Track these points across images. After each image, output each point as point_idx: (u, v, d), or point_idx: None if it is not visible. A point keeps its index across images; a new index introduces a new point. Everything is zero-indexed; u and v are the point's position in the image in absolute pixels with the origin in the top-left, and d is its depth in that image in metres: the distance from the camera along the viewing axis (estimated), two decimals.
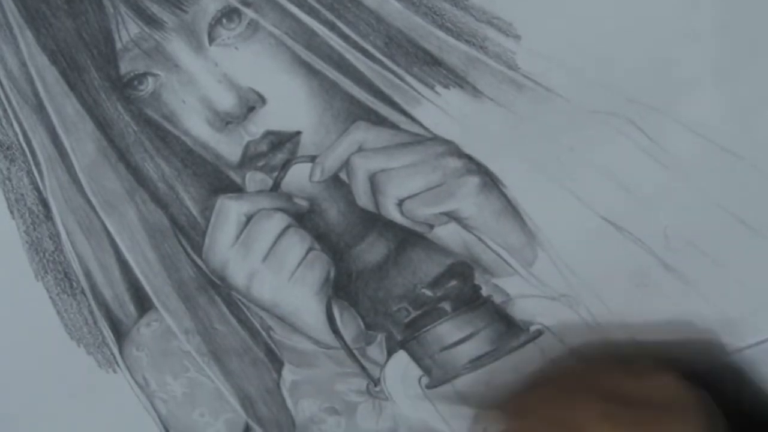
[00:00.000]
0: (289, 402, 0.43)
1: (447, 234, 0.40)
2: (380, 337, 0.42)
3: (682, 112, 0.39)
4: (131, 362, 0.42)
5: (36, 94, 0.40)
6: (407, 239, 0.41)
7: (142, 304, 0.42)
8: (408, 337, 0.42)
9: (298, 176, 0.40)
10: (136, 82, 0.39)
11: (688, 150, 0.39)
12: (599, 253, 0.40)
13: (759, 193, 0.39)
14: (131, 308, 0.42)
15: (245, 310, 0.42)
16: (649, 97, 0.39)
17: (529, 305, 0.41)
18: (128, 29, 0.39)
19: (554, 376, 0.40)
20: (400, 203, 0.40)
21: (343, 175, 0.40)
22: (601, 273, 0.40)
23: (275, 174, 0.40)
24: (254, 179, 0.40)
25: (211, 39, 0.40)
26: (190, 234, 0.41)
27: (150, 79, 0.39)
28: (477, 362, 0.41)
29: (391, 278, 0.41)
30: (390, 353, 0.42)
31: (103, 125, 0.41)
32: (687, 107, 0.39)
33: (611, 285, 0.41)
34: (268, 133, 0.39)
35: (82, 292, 0.43)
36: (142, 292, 0.42)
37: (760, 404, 0.41)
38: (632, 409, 0.36)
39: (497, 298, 0.41)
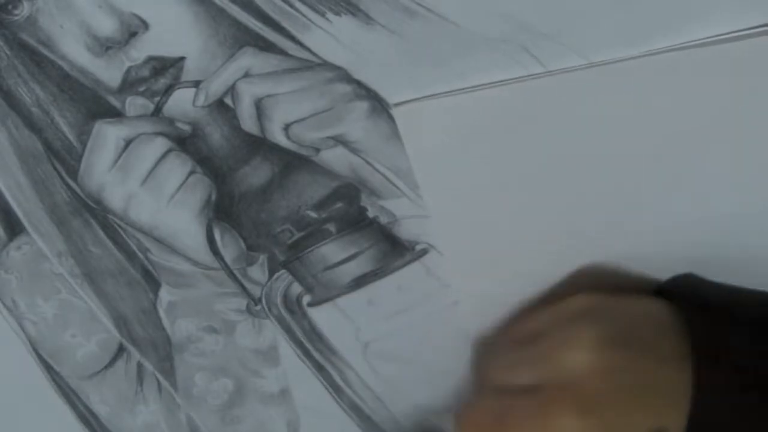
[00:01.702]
0: (165, 322, 0.67)
1: (333, 157, 0.64)
2: (262, 258, 0.66)
3: (575, 40, 0.63)
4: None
5: None
6: (292, 162, 0.64)
7: (13, 228, 0.65)
8: (291, 258, 0.67)
9: (181, 101, 0.62)
10: (10, 6, 0.59)
11: (580, 75, 0.64)
12: None
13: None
14: (0, 232, 0.65)
15: (122, 232, 0.65)
16: (542, 24, 0.63)
17: (415, 225, 0.66)
18: None
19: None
20: (287, 128, 0.63)
21: (228, 100, 0.63)
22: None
23: (157, 99, 0.62)
24: (135, 104, 0.62)
25: None
26: (66, 158, 0.63)
27: (26, 4, 0.59)
28: (360, 280, 0.67)
29: (275, 201, 0.65)
30: (272, 273, 0.67)
31: None
32: (580, 34, 0.63)
33: None
34: (151, 59, 0.61)
35: None
36: (12, 216, 0.64)
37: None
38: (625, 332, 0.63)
39: (383, 219, 0.66)
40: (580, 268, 0.68)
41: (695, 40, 0.61)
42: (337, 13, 0.61)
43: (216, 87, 0.63)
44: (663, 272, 0.68)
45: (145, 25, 0.61)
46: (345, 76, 0.63)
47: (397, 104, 0.63)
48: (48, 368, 0.68)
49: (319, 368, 0.69)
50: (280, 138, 0.64)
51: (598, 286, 0.67)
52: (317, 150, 0.64)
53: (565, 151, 0.64)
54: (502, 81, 0.63)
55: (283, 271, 0.67)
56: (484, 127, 0.64)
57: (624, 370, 0.60)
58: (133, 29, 0.61)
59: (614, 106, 0.63)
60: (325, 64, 0.62)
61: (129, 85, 0.62)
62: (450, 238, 0.67)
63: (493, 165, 0.65)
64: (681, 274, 0.67)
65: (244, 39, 0.62)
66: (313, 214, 0.66)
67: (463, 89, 0.63)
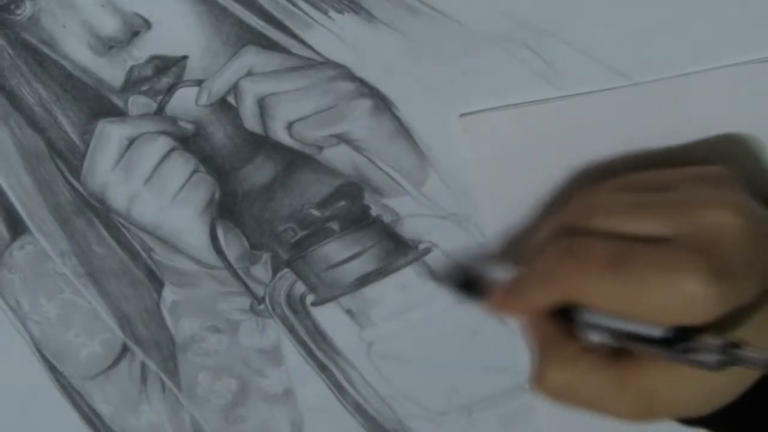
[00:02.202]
0: (169, 321, 0.68)
1: (336, 155, 0.65)
2: (265, 256, 0.67)
3: (576, 36, 0.63)
4: (3, 285, 0.66)
5: None
6: (295, 161, 0.65)
7: (16, 227, 0.65)
8: (294, 257, 0.67)
9: (184, 100, 0.63)
10: (12, 6, 0.60)
11: (582, 73, 0.64)
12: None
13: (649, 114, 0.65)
14: (4, 232, 0.65)
15: (125, 232, 0.66)
16: (544, 21, 0.63)
17: (419, 224, 0.66)
18: None
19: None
20: (290, 126, 0.64)
21: (230, 99, 0.63)
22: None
23: (160, 98, 0.62)
24: (137, 103, 0.62)
25: None
26: (69, 158, 0.63)
27: (28, 3, 0.60)
28: (363, 280, 0.67)
29: (277, 199, 0.65)
30: (275, 272, 0.67)
31: None
32: (582, 31, 0.63)
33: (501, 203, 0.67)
34: (153, 58, 0.61)
35: None
36: (15, 215, 0.65)
37: None
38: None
39: (386, 218, 0.66)
40: None
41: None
42: (340, 11, 0.62)
43: (219, 86, 0.63)
44: None
45: (148, 24, 0.61)
46: (348, 74, 0.63)
47: (463, 114, 0.64)
48: (51, 368, 0.69)
49: (323, 368, 0.69)
50: (283, 136, 0.64)
51: None
52: (320, 148, 0.65)
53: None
54: (565, 95, 0.64)
55: (286, 270, 0.67)
56: (546, 139, 0.64)
57: (764, 245, 0.55)
58: (136, 28, 0.61)
59: (673, 120, 0.64)
60: (328, 63, 0.63)
61: (132, 84, 0.63)
62: (504, 254, 0.67)
63: (552, 177, 0.65)
64: None
65: (246, 37, 0.62)
66: (317, 213, 0.66)
67: (528, 102, 0.64)
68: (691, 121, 0.64)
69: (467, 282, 0.66)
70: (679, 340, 0.54)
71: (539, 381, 0.58)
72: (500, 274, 0.62)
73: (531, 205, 0.66)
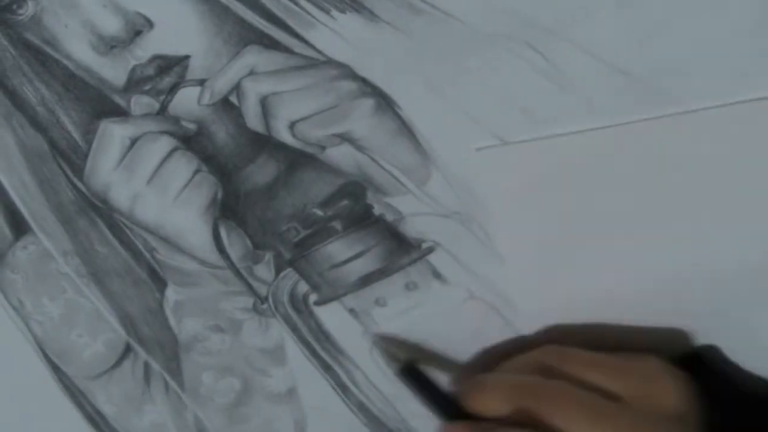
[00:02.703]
0: (172, 321, 0.68)
1: (339, 154, 0.65)
2: (268, 256, 0.67)
3: (579, 35, 0.63)
4: (6, 285, 0.66)
5: None
6: (298, 160, 0.65)
7: (19, 227, 0.65)
8: (297, 256, 0.67)
9: (186, 100, 0.63)
10: (14, 6, 0.60)
11: (585, 72, 0.64)
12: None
13: (652, 113, 0.65)
14: (6, 231, 0.65)
15: (128, 231, 0.66)
16: (546, 20, 0.63)
17: (422, 223, 0.66)
18: None
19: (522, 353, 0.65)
20: (292, 125, 0.64)
21: (233, 98, 0.63)
22: (496, 190, 0.66)
23: (162, 98, 0.62)
24: (140, 103, 0.62)
25: None
26: (71, 158, 0.63)
27: (30, 3, 0.60)
28: (367, 279, 0.67)
29: (280, 199, 0.65)
30: (278, 272, 0.67)
31: None
32: (585, 30, 0.63)
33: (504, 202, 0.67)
34: (156, 57, 0.61)
35: None
36: (18, 215, 0.65)
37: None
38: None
39: (389, 217, 0.66)
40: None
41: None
42: (342, 11, 0.62)
43: (221, 85, 0.63)
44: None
45: (150, 24, 0.61)
46: (350, 74, 0.63)
47: (480, 148, 0.64)
48: (55, 368, 0.69)
49: (326, 367, 0.69)
50: (285, 136, 0.64)
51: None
52: (323, 147, 0.65)
53: (641, 197, 0.65)
54: (579, 131, 0.64)
55: (289, 269, 0.67)
56: (561, 173, 0.64)
57: None
58: (138, 28, 0.61)
59: (696, 154, 0.64)
60: (330, 62, 0.63)
61: (134, 83, 0.63)
62: (523, 285, 0.67)
63: (569, 210, 0.65)
64: (703, 345, 0.67)
65: (248, 37, 0.62)
66: (319, 212, 0.66)
67: (543, 137, 0.64)
68: (705, 157, 0.65)
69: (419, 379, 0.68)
70: None
71: None
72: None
73: (546, 236, 0.66)
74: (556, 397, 0.60)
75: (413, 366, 0.67)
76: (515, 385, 0.61)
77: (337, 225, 0.67)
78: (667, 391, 0.61)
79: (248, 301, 0.68)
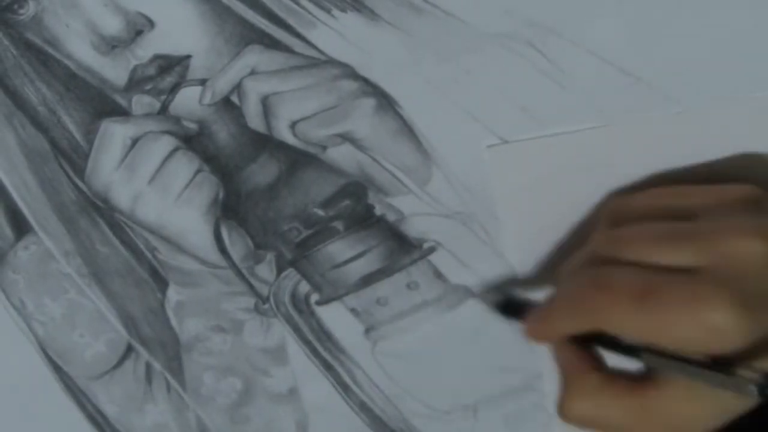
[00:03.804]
0: (173, 321, 0.68)
1: (340, 155, 0.65)
2: (270, 256, 0.67)
3: (581, 35, 0.63)
4: (7, 285, 0.66)
5: None
6: (299, 160, 0.65)
7: (20, 227, 0.65)
8: (298, 256, 0.67)
9: (188, 99, 0.63)
10: (15, 6, 0.60)
11: (587, 71, 0.64)
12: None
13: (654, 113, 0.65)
14: (8, 232, 0.65)
15: (129, 231, 0.66)
16: (548, 19, 0.63)
17: (423, 223, 0.66)
18: None
19: None
20: (293, 125, 0.64)
21: (234, 98, 0.63)
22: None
23: (163, 97, 0.62)
24: (141, 103, 0.62)
25: None
26: (72, 157, 0.63)
27: (31, 3, 0.60)
28: (368, 279, 0.67)
29: (282, 199, 0.65)
30: (280, 272, 0.67)
31: None
32: (586, 29, 0.63)
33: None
34: (157, 57, 0.61)
35: None
36: (19, 215, 0.65)
37: None
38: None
39: (390, 217, 0.66)
40: None
41: None
42: (343, 10, 0.62)
43: (222, 85, 0.63)
44: None
45: (151, 24, 0.61)
46: (351, 73, 0.63)
47: (490, 145, 0.64)
48: (56, 368, 0.69)
49: (328, 367, 0.69)
50: (286, 135, 0.64)
51: None
52: (324, 147, 0.65)
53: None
54: (591, 127, 0.64)
55: (290, 269, 0.67)
56: (572, 169, 0.64)
57: None
58: (139, 28, 0.61)
59: (705, 151, 0.64)
60: (331, 61, 0.63)
61: (135, 83, 0.63)
62: (531, 285, 0.67)
63: (578, 207, 0.65)
64: None
65: (250, 37, 0.62)
66: (321, 212, 0.66)
67: (553, 134, 0.64)
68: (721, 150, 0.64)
69: (507, 304, 0.66)
70: (717, 367, 0.55)
71: (564, 411, 0.59)
72: (539, 298, 0.63)
73: (558, 233, 0.66)
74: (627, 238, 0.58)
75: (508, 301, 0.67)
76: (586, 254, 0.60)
77: (339, 225, 0.67)
78: (741, 189, 0.59)
79: (250, 301, 0.68)
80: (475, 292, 0.68)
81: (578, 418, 0.59)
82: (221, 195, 0.65)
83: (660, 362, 0.57)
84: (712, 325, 0.53)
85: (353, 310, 0.68)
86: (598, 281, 0.57)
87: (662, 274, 0.55)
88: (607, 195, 0.65)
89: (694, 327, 0.54)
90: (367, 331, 0.68)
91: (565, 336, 0.60)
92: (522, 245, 0.66)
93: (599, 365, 0.59)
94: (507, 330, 0.68)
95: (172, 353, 0.69)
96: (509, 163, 0.65)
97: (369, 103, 0.64)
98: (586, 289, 0.58)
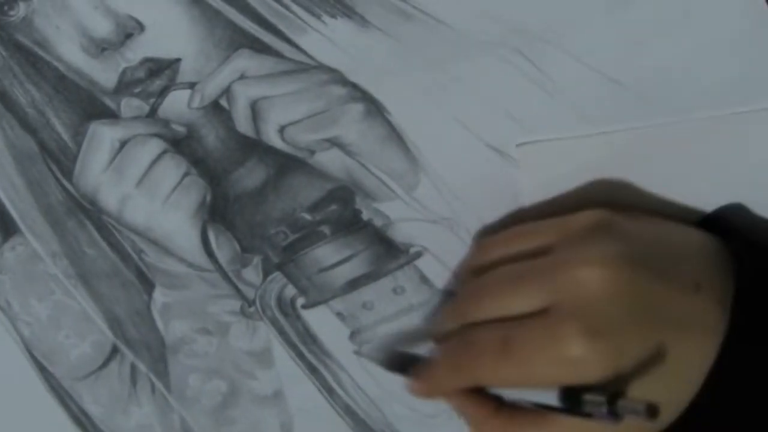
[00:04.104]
0: (159, 323, 0.68)
1: (328, 159, 0.65)
2: (256, 259, 0.67)
3: (569, 43, 0.64)
4: None
5: None
6: (287, 164, 0.65)
7: (7, 228, 0.65)
8: (285, 260, 0.67)
9: (177, 103, 0.63)
10: (5, 7, 0.60)
11: (574, 79, 0.64)
12: (482, 178, 0.66)
13: (642, 121, 0.65)
14: None
15: (116, 233, 0.66)
16: (536, 27, 0.63)
17: (410, 228, 0.67)
18: None
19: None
20: (282, 130, 0.64)
21: (223, 102, 0.63)
22: (484, 197, 0.66)
23: (152, 100, 0.62)
24: (130, 105, 0.62)
25: None
26: (61, 159, 0.63)
27: (21, 5, 0.60)
28: (354, 283, 0.67)
29: (269, 203, 0.65)
30: (266, 275, 0.67)
31: None
32: (574, 38, 0.64)
33: (493, 209, 0.67)
34: (146, 60, 0.61)
35: None
36: (6, 216, 0.65)
37: None
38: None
39: (377, 222, 0.66)
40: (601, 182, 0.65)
41: None
42: (333, 16, 0.62)
43: (211, 89, 0.63)
44: None
45: (141, 27, 0.61)
46: (340, 79, 0.63)
47: (520, 144, 0.64)
48: (41, 369, 0.69)
49: (313, 370, 0.69)
50: (275, 140, 0.64)
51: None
52: (312, 152, 0.65)
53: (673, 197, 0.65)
54: (623, 129, 0.64)
55: (277, 273, 0.67)
56: (601, 171, 0.64)
57: (641, 294, 0.55)
58: (129, 30, 0.61)
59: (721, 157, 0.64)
60: (321, 67, 0.63)
61: (124, 86, 0.63)
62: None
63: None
64: (729, 204, 0.63)
65: (239, 41, 0.62)
66: (308, 217, 0.66)
67: (584, 134, 0.64)
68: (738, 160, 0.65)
69: (393, 359, 0.67)
70: (571, 398, 0.55)
71: None
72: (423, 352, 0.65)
73: None
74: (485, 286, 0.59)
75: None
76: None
77: (326, 229, 0.67)
78: (586, 215, 0.59)
79: (236, 304, 0.68)
80: (362, 352, 0.69)
81: None
82: (209, 198, 0.65)
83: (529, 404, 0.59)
84: (568, 358, 0.54)
85: (339, 314, 0.68)
86: (464, 342, 0.59)
87: (519, 322, 0.57)
88: (472, 243, 0.66)
89: (553, 364, 0.55)
90: (353, 334, 0.68)
91: (449, 392, 0.61)
92: None
93: (498, 404, 0.60)
94: None
95: (157, 355, 0.69)
96: (539, 162, 0.65)
97: (358, 108, 0.64)
98: (455, 352, 0.60)
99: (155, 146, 0.64)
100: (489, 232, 0.65)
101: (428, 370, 0.61)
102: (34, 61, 0.62)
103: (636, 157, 0.64)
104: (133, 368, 0.69)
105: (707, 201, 0.63)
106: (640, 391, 0.54)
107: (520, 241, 0.61)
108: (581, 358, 0.54)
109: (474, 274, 0.62)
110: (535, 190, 0.65)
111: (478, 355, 0.58)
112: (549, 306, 0.56)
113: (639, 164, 0.64)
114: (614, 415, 0.53)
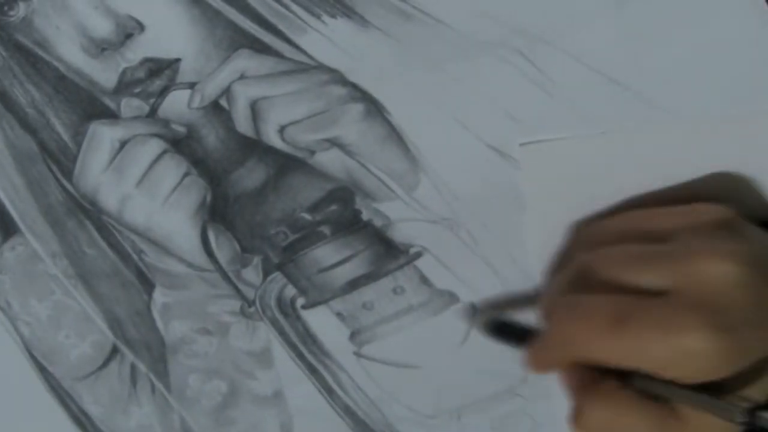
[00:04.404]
0: (159, 323, 0.68)
1: (328, 160, 0.65)
2: (256, 259, 0.67)
3: (569, 43, 0.64)
4: None
5: None
6: (287, 165, 0.65)
7: (7, 228, 0.65)
8: (285, 260, 0.67)
9: (177, 103, 0.63)
10: (5, 7, 0.60)
11: (575, 80, 0.64)
12: (483, 179, 0.66)
13: (643, 122, 0.65)
14: None
15: (116, 233, 0.66)
16: (537, 28, 0.63)
17: (410, 228, 0.67)
18: None
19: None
20: (282, 130, 0.64)
21: (223, 102, 0.63)
22: (485, 198, 0.66)
23: (152, 100, 0.62)
24: (130, 105, 0.62)
25: None
26: (60, 159, 0.63)
27: (21, 5, 0.60)
28: (354, 283, 0.67)
29: (269, 203, 0.65)
30: (266, 275, 0.67)
31: None
32: (574, 38, 0.63)
33: (493, 209, 0.67)
34: (146, 60, 0.61)
35: None
36: (6, 216, 0.65)
37: None
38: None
39: (377, 222, 0.66)
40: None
41: None
42: (333, 16, 0.62)
43: (211, 89, 0.63)
44: None
45: (141, 27, 0.62)
46: (340, 79, 0.63)
47: (523, 143, 0.64)
48: (41, 369, 0.69)
49: (313, 370, 0.69)
50: (275, 140, 0.64)
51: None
52: (312, 152, 0.65)
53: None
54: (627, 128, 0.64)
55: (277, 273, 0.68)
56: (605, 172, 0.64)
57: (766, 296, 0.55)
58: (129, 31, 0.62)
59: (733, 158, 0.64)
60: (321, 67, 0.63)
61: (124, 86, 0.63)
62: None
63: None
64: None
65: (239, 41, 0.62)
66: (308, 217, 0.66)
67: (587, 135, 0.64)
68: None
69: (499, 326, 0.66)
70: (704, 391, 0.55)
71: (578, 420, 0.59)
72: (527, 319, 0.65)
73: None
74: (605, 259, 0.59)
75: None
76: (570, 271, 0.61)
77: (326, 229, 0.67)
78: (715, 211, 0.59)
79: (236, 304, 0.68)
80: (466, 314, 0.68)
81: (594, 427, 0.58)
82: (209, 198, 0.65)
83: (652, 386, 0.57)
84: (686, 348, 0.53)
85: (339, 315, 0.68)
86: (574, 311, 0.58)
87: (636, 299, 0.56)
88: (582, 219, 0.65)
89: (669, 351, 0.54)
90: (353, 335, 0.68)
91: (561, 365, 0.60)
92: (546, 245, 0.67)
93: (612, 374, 0.58)
94: None
95: (157, 355, 0.69)
96: (541, 162, 0.65)
97: (357, 108, 0.64)
98: (563, 321, 0.59)
99: (155, 146, 0.64)
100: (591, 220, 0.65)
101: (539, 343, 0.60)
102: (34, 61, 0.62)
103: (641, 157, 0.64)
104: (133, 368, 0.69)
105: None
106: (750, 393, 0.55)
107: (640, 221, 0.61)
108: (702, 353, 0.53)
109: (586, 248, 0.62)
110: (537, 189, 0.65)
111: (589, 326, 0.57)
112: (672, 290, 0.56)
113: (644, 165, 0.64)
114: (749, 424, 0.54)
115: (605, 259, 0.59)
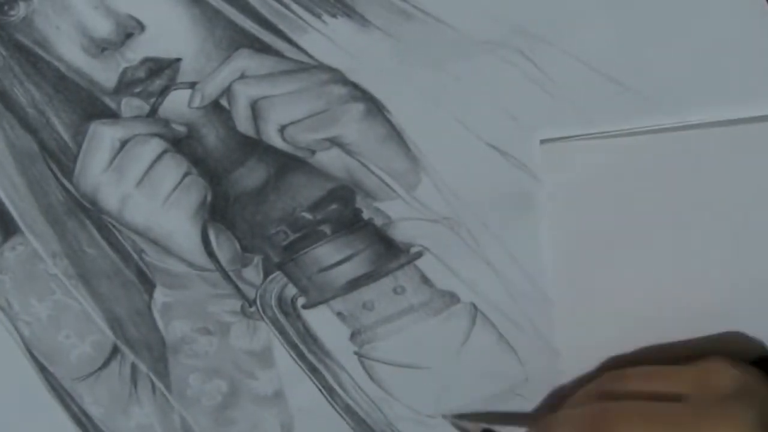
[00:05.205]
0: (159, 323, 0.68)
1: (329, 159, 0.65)
2: (257, 259, 0.67)
3: (569, 43, 0.63)
4: None
5: None
6: (288, 164, 0.65)
7: (7, 227, 0.65)
8: (285, 259, 0.67)
9: (177, 102, 0.63)
10: (6, 7, 0.59)
11: (576, 79, 0.64)
12: (484, 178, 0.66)
13: (643, 122, 0.65)
14: None
15: (117, 233, 0.66)
16: (538, 27, 0.63)
17: (411, 228, 0.67)
18: None
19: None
20: (282, 129, 0.64)
21: (223, 101, 0.63)
22: (485, 197, 0.66)
23: (152, 100, 0.62)
24: (130, 105, 0.62)
25: None
26: (61, 159, 0.63)
27: (21, 4, 0.59)
28: (355, 283, 0.67)
29: (270, 202, 0.65)
30: (266, 275, 0.67)
31: None
32: (575, 38, 0.63)
33: (494, 208, 0.67)
34: (147, 60, 0.61)
35: None
36: (7, 216, 0.65)
37: None
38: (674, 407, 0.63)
39: (378, 221, 0.66)
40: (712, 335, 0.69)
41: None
42: (333, 15, 0.62)
43: (212, 88, 0.63)
44: None
45: (141, 27, 0.61)
46: (341, 78, 0.63)
47: (544, 141, 0.65)
48: (42, 369, 0.69)
49: (313, 370, 0.69)
50: (275, 139, 0.64)
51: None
52: (312, 152, 0.65)
53: (701, 204, 0.66)
54: (651, 130, 0.64)
55: (277, 272, 0.68)
56: (627, 172, 0.65)
57: None
58: (129, 30, 0.61)
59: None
60: (321, 66, 0.63)
61: (125, 86, 0.62)
62: (566, 280, 0.68)
63: (625, 210, 0.66)
64: None
65: (240, 41, 0.62)
66: (308, 216, 0.66)
67: (607, 133, 0.64)
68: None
69: None
70: None
71: None
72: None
73: (602, 235, 0.67)
74: (617, 414, 0.63)
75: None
76: (581, 415, 0.64)
77: (326, 229, 0.67)
78: (726, 375, 0.64)
79: (236, 303, 0.68)
80: (450, 421, 0.71)
81: None
82: (209, 198, 0.65)
83: None
84: None
85: (339, 314, 0.68)
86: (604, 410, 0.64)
87: None
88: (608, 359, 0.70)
89: None
90: (353, 335, 0.69)
91: None
92: (563, 243, 0.67)
93: None
94: (493, 336, 0.69)
95: (157, 355, 0.69)
96: (562, 160, 0.65)
97: (358, 108, 0.64)
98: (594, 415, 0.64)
99: (156, 146, 0.64)
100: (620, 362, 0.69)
101: None
102: (35, 61, 0.62)
103: (660, 159, 0.65)
104: (134, 368, 0.69)
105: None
106: None
107: (655, 381, 0.66)
108: None
109: (598, 398, 0.67)
110: (556, 189, 0.65)
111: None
112: None
113: (662, 166, 0.65)
114: None
115: (622, 411, 0.64)
